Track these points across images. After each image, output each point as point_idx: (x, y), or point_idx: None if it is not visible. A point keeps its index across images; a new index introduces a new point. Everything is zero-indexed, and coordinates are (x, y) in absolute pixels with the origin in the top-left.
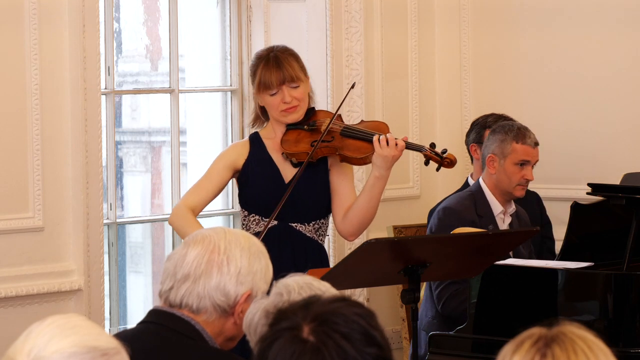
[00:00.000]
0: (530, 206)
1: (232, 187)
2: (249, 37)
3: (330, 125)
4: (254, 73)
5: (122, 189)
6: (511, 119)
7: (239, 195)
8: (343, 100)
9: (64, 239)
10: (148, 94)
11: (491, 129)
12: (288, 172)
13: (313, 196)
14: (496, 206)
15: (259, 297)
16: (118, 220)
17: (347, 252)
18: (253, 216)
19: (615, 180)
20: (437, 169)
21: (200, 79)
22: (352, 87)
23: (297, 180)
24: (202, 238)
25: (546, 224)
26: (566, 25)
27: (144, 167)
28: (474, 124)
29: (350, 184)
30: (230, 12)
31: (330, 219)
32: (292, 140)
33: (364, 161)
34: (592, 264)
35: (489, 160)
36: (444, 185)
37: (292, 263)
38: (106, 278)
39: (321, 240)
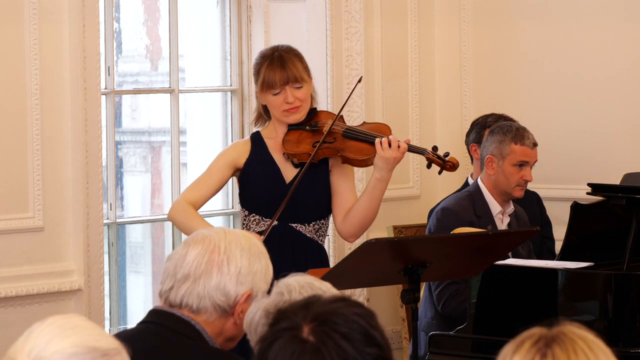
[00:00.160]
0: (530, 206)
1: (232, 187)
2: (249, 37)
3: (332, 127)
4: (257, 72)
5: (122, 189)
6: (511, 119)
7: (240, 195)
8: (350, 95)
9: (64, 239)
10: (148, 94)
11: (489, 130)
12: (289, 172)
13: (314, 197)
14: (495, 206)
15: (259, 297)
16: (118, 220)
17: (347, 252)
18: (253, 216)
19: (615, 180)
20: (439, 172)
21: (200, 79)
22: (360, 81)
23: (299, 180)
24: (202, 238)
25: (546, 224)
26: (566, 25)
27: (144, 167)
28: (474, 124)
29: (351, 185)
30: (230, 12)
31: (331, 219)
32: (293, 141)
33: (365, 163)
34: (592, 264)
35: (488, 161)
36: (443, 185)
37: (292, 263)
38: (106, 278)
39: (321, 240)
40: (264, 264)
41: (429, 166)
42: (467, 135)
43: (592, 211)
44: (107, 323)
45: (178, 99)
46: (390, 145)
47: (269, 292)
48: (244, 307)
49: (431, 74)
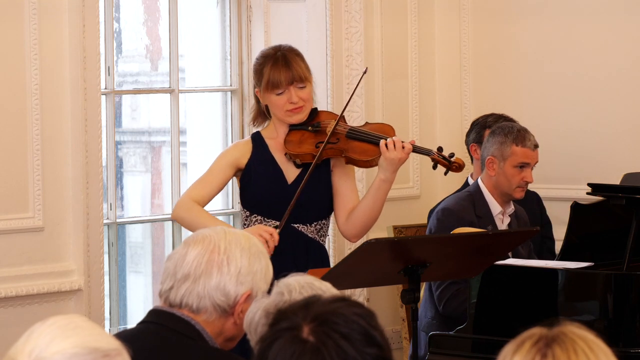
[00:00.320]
0: (530, 206)
1: (232, 187)
2: (249, 37)
3: (336, 127)
4: (259, 72)
5: (122, 189)
6: (511, 119)
7: (241, 195)
8: (355, 88)
9: (64, 239)
10: (148, 94)
11: (490, 130)
12: (291, 172)
13: (316, 197)
14: (495, 207)
15: (259, 297)
16: (118, 220)
17: (347, 252)
18: (255, 216)
19: (615, 180)
20: (445, 173)
21: (200, 79)
22: (365, 72)
23: (298, 180)
24: (202, 238)
25: (546, 224)
26: (566, 25)
27: (144, 167)
28: (474, 124)
29: (352, 185)
30: (230, 12)
31: (332, 219)
32: (295, 141)
33: (370, 164)
34: (592, 264)
35: (489, 162)
36: (444, 185)
37: (293, 263)
38: (106, 278)
39: (322, 240)
40: (264, 264)
41: (434, 167)
42: (467, 135)
43: (592, 211)
44: (107, 323)
45: (178, 99)
46: (395, 146)
47: (269, 292)
48: (243, 307)
49: (431, 74)
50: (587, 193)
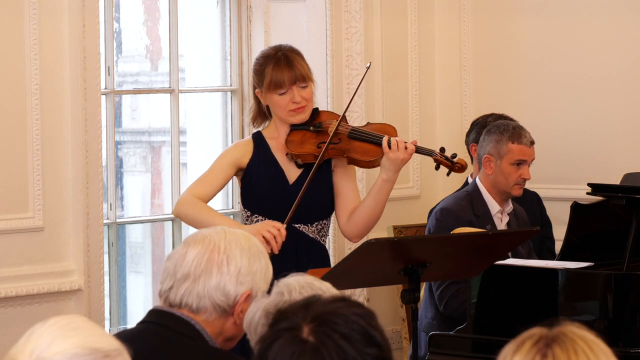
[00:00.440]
0: (530, 206)
1: (232, 187)
2: (249, 37)
3: (338, 127)
4: (261, 72)
5: (122, 189)
6: (511, 119)
7: (242, 195)
8: (360, 83)
9: (64, 239)
10: (148, 94)
11: (486, 129)
12: (292, 172)
13: (317, 197)
14: (493, 206)
15: (259, 297)
16: (118, 220)
17: (347, 252)
18: (256, 217)
19: (615, 180)
20: (448, 174)
21: (200, 79)
22: (369, 67)
23: (300, 181)
24: (202, 238)
25: (546, 224)
26: (566, 25)
27: (144, 167)
28: (474, 124)
29: (353, 185)
30: (230, 12)
31: (333, 219)
32: (297, 141)
33: (372, 164)
34: (592, 264)
35: (486, 161)
36: (443, 185)
37: (294, 264)
38: (106, 278)
39: (323, 240)
40: (264, 264)
41: (437, 167)
42: (467, 135)
43: (592, 211)
44: (107, 323)
45: (178, 99)
46: (398, 146)
47: (269, 292)
48: (243, 307)
49: (431, 74)
50: (587, 193)
